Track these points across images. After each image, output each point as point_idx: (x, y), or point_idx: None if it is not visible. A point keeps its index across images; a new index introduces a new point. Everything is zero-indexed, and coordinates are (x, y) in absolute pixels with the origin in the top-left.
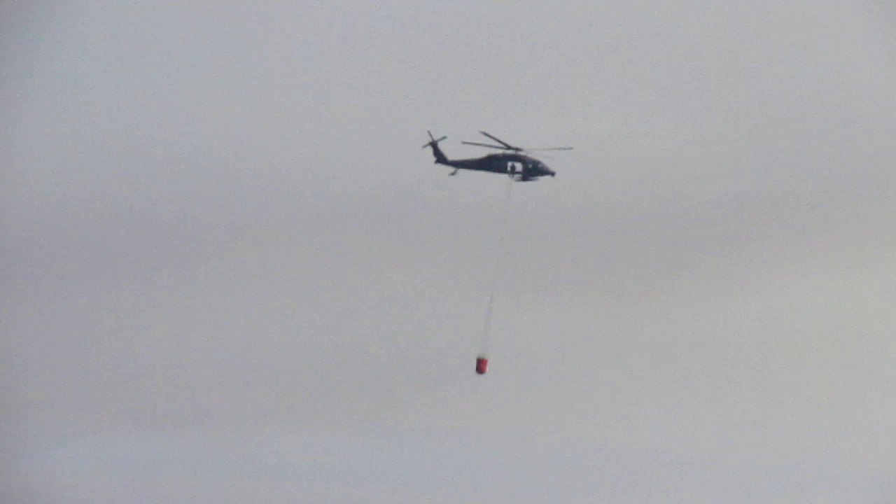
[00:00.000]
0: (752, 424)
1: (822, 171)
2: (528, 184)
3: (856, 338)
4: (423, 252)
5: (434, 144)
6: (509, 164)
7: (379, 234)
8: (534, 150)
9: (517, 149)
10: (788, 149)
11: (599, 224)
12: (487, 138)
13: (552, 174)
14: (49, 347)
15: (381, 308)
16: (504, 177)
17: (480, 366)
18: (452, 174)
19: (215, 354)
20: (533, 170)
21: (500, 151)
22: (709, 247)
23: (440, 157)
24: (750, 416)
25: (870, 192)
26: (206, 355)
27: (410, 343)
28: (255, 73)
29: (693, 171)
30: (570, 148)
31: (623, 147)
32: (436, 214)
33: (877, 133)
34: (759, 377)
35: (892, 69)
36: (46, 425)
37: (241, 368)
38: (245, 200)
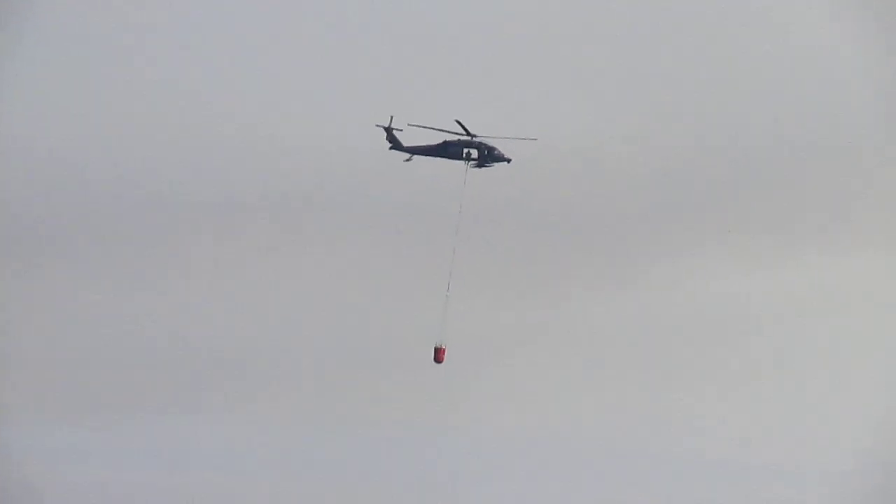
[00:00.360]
0: (705, 412)
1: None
2: (485, 170)
3: (808, 321)
4: (378, 238)
5: (389, 130)
6: (465, 150)
7: (333, 221)
8: (497, 138)
9: (473, 135)
10: (738, 136)
11: (555, 211)
12: (430, 125)
13: (508, 161)
14: None
15: (336, 297)
16: (460, 163)
17: (438, 355)
18: (408, 160)
19: (174, 343)
20: (488, 156)
21: (455, 138)
22: (662, 233)
23: (395, 143)
24: (705, 405)
25: (792, 182)
26: (164, 343)
27: (367, 332)
28: (219, 55)
29: (640, 160)
30: (535, 139)
31: (579, 136)
32: (391, 201)
33: (807, 119)
34: (720, 362)
35: (824, 65)
36: None
37: (199, 357)
38: (196, 185)
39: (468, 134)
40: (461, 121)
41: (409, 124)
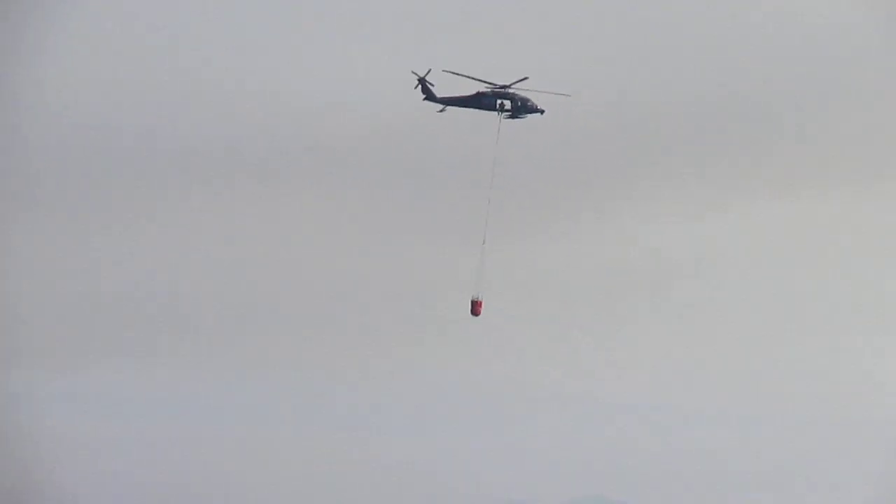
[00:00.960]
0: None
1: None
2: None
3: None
4: (413, 189)
5: (423, 81)
6: (498, 101)
7: (368, 173)
8: (531, 91)
9: (506, 86)
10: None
11: (587, 160)
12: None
13: (541, 112)
14: None
15: (372, 250)
16: (493, 114)
17: (475, 308)
18: (441, 111)
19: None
20: (522, 107)
21: (488, 89)
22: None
23: (429, 94)
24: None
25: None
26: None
27: (403, 285)
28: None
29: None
30: (568, 95)
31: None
32: (425, 152)
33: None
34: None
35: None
36: None
37: (234, 308)
38: (235, 135)
39: (503, 86)
40: (525, 78)
41: (442, 70)
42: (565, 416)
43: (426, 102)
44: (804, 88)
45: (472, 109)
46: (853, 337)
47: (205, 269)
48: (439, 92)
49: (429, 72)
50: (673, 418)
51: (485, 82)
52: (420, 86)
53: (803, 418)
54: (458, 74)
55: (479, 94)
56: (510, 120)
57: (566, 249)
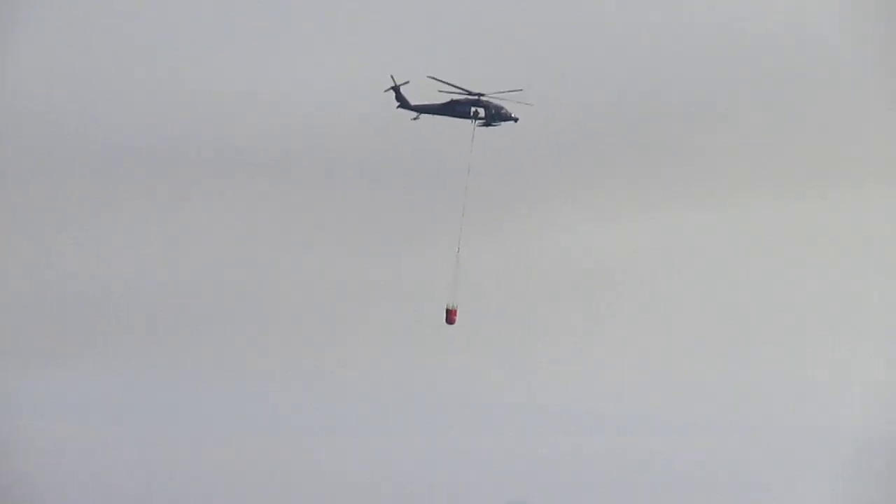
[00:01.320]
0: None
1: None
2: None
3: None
4: (389, 197)
5: (397, 89)
6: (472, 109)
7: (342, 181)
8: (497, 97)
9: (479, 94)
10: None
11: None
12: (443, 82)
13: (515, 120)
14: None
15: (347, 258)
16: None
17: (450, 316)
18: (415, 119)
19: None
20: (496, 115)
21: (462, 97)
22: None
23: (403, 102)
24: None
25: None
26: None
27: (377, 292)
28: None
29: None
30: (532, 104)
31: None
32: (399, 160)
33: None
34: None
35: None
36: None
37: (206, 310)
38: (198, 141)
39: (472, 93)
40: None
41: (427, 76)
42: (505, 424)
43: (400, 110)
44: (771, 91)
45: (446, 117)
46: (818, 343)
47: (178, 269)
48: (412, 99)
49: (393, 77)
50: (614, 426)
51: (466, 90)
52: (394, 93)
53: (758, 426)
54: (440, 81)
55: (452, 102)
56: (484, 128)
57: (540, 253)
